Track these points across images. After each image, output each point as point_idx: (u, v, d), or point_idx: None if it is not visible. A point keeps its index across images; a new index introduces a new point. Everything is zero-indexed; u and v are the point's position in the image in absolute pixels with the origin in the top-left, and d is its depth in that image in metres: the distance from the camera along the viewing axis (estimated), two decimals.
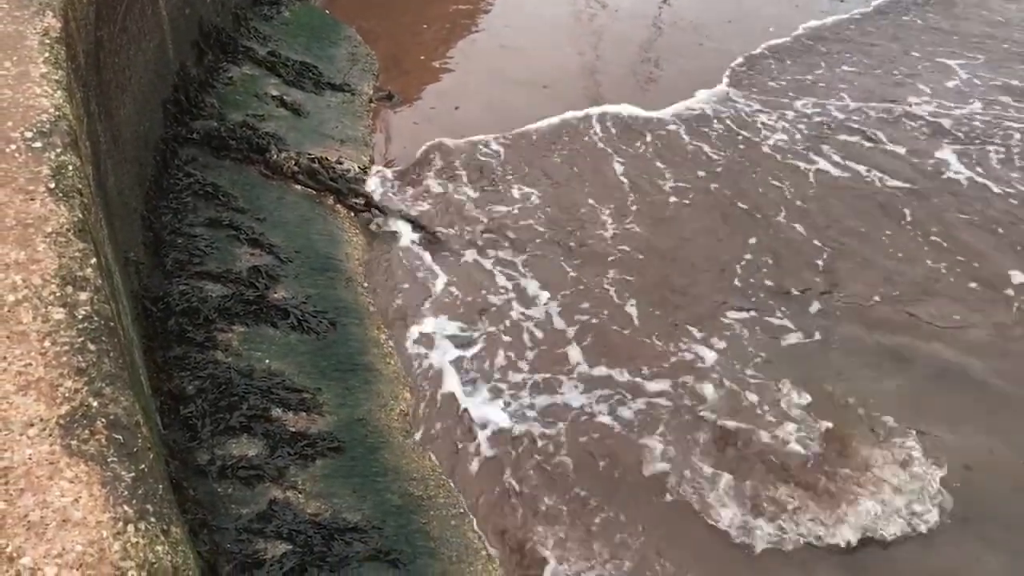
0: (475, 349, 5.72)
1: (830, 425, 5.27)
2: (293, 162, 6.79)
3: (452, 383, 5.42)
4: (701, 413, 5.34)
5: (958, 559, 4.60)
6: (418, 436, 5.03)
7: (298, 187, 6.78)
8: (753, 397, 5.45)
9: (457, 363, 5.59)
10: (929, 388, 5.68)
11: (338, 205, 6.88)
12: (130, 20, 5.49)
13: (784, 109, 9.08)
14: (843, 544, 4.60)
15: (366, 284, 6.21)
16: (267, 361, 5.00)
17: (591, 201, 7.32)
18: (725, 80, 9.63)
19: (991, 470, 5.09)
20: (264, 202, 6.41)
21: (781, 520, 4.71)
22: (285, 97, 7.76)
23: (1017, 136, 8.78)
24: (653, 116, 8.73)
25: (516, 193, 7.36)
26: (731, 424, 5.26)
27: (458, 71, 9.48)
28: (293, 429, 4.64)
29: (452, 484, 4.78)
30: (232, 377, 4.73)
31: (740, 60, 10.14)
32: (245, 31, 8.40)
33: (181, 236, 5.62)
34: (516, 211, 7.12)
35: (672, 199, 7.41)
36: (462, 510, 4.65)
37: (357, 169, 7.27)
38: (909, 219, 7.33)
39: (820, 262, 6.76)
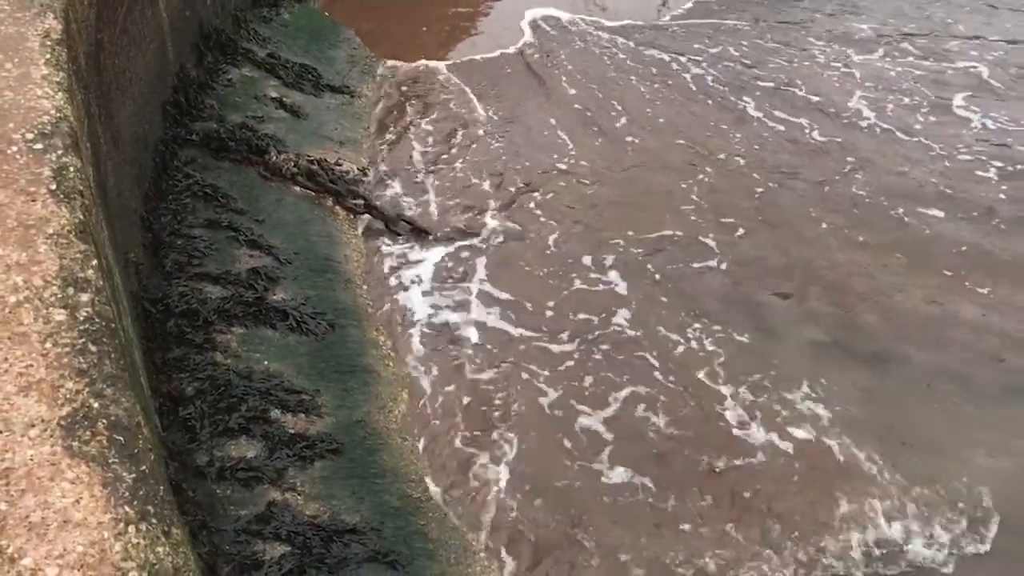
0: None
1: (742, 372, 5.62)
2: (292, 164, 6.79)
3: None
4: (609, 343, 5.80)
5: None
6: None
7: (297, 189, 6.78)
8: (662, 326, 6.02)
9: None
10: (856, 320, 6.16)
11: (337, 207, 6.88)
12: (130, 22, 5.50)
13: (701, 55, 9.97)
14: None
15: (365, 286, 6.22)
16: (266, 363, 5.01)
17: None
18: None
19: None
20: (263, 204, 6.41)
21: None
22: (284, 99, 7.77)
23: (922, 87, 9.46)
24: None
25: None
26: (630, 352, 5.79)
27: None
28: (292, 431, 4.64)
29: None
30: (231, 379, 4.74)
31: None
32: (245, 33, 8.40)
33: (180, 237, 5.63)
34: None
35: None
36: (462, 512, 4.66)
37: (356, 171, 7.28)
38: (838, 162, 8.07)
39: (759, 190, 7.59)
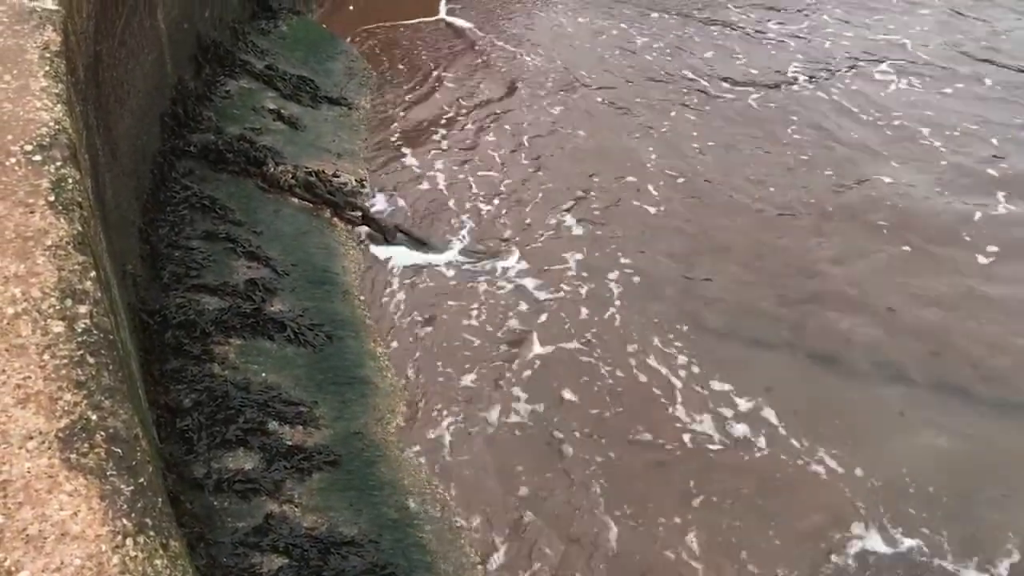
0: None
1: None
2: (290, 175, 6.80)
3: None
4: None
5: None
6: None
7: (295, 200, 6.79)
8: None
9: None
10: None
11: (335, 218, 6.89)
12: (129, 34, 5.52)
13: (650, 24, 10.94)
14: None
15: (363, 297, 6.21)
16: (263, 374, 5.00)
17: None
18: None
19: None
20: (261, 215, 6.42)
21: None
22: (282, 111, 7.79)
23: (851, 57, 10.15)
24: None
25: None
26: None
27: None
28: (289, 442, 4.63)
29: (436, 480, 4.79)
30: (228, 390, 4.73)
31: None
32: (243, 45, 8.43)
33: (178, 249, 5.63)
34: None
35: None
36: (460, 523, 4.64)
37: (354, 182, 7.29)
38: (781, 124, 8.77)
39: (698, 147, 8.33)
